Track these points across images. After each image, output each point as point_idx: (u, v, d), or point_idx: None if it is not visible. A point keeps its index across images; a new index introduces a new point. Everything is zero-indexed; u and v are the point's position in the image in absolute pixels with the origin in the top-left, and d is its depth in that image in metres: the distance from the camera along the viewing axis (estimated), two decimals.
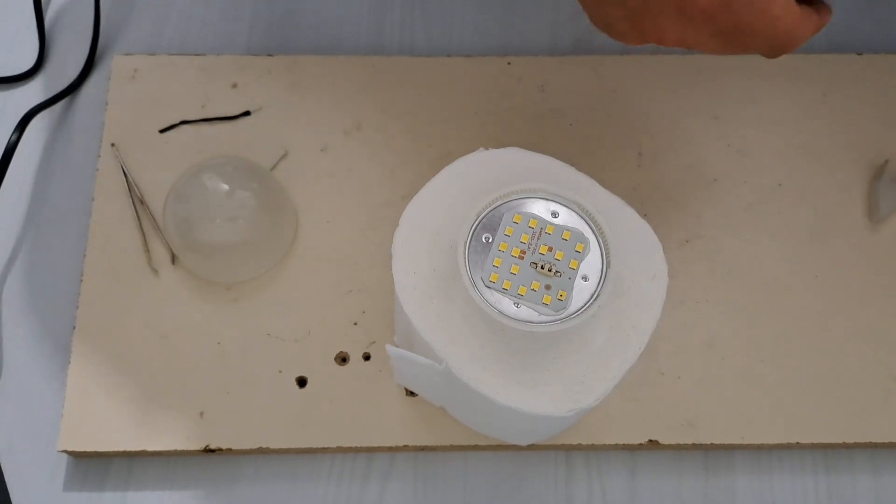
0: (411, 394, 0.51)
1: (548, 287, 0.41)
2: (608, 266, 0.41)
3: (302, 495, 0.51)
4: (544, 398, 0.41)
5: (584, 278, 0.41)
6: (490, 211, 0.42)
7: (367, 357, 0.52)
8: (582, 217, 0.42)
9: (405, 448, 0.51)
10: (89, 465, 0.51)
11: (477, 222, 0.42)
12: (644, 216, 0.45)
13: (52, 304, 0.54)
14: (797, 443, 0.51)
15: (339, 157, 0.57)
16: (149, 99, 0.58)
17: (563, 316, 0.40)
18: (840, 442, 0.51)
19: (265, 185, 0.53)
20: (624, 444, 0.51)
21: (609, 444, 0.51)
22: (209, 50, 0.62)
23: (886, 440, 0.51)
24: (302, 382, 0.51)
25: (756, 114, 0.59)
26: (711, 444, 0.51)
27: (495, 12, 0.64)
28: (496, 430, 0.49)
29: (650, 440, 0.50)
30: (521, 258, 0.41)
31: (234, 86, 0.59)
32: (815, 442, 0.51)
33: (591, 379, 0.41)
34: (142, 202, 0.55)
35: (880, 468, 0.52)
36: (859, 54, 0.60)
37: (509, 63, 0.60)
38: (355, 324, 0.53)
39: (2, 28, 0.63)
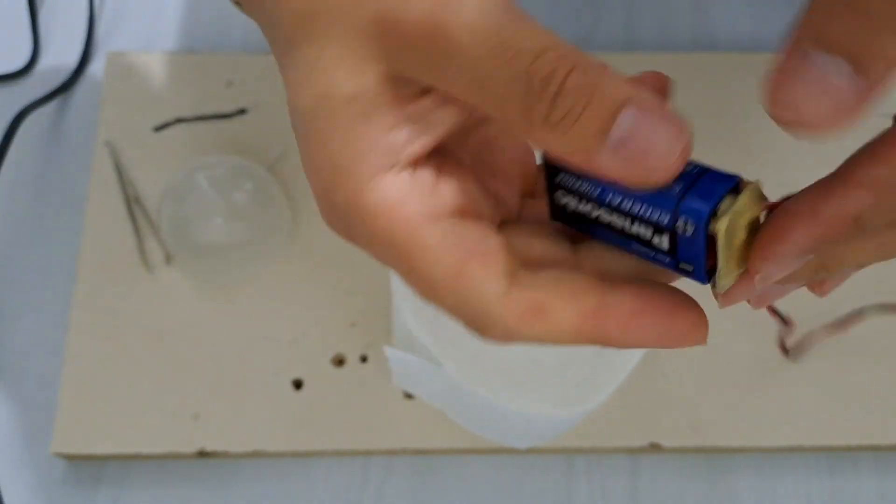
0: (409, 396, 0.50)
1: None
2: None
3: (298, 500, 0.50)
4: (545, 400, 0.40)
5: None
6: None
7: (364, 359, 0.51)
8: None
9: (403, 451, 0.50)
10: (83, 467, 0.51)
11: None
12: None
13: (45, 304, 0.54)
14: (801, 445, 0.50)
15: None
16: (143, 97, 0.57)
17: None
18: (844, 445, 0.50)
19: (261, 185, 0.53)
20: (625, 448, 0.50)
21: (610, 448, 0.50)
22: (204, 47, 0.61)
23: (891, 443, 0.50)
24: (298, 385, 0.51)
25: (760, 112, 0.58)
26: (714, 447, 0.50)
27: None
28: (496, 434, 0.48)
29: (652, 443, 0.50)
30: None
31: (230, 83, 0.58)
32: (818, 444, 0.50)
33: (593, 381, 0.41)
34: (136, 201, 0.55)
35: (885, 471, 0.51)
36: None
37: None
38: (353, 325, 0.52)
39: None
